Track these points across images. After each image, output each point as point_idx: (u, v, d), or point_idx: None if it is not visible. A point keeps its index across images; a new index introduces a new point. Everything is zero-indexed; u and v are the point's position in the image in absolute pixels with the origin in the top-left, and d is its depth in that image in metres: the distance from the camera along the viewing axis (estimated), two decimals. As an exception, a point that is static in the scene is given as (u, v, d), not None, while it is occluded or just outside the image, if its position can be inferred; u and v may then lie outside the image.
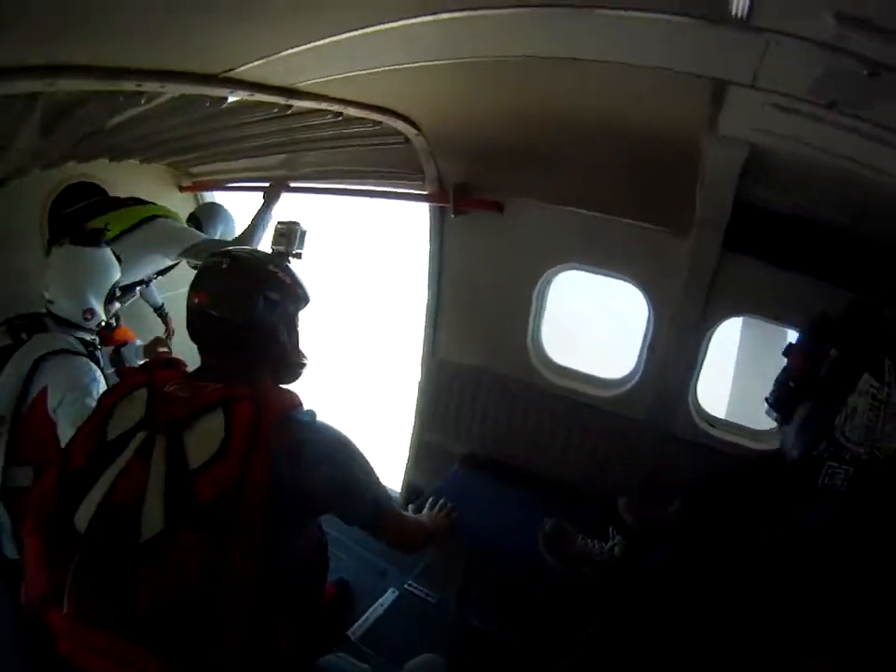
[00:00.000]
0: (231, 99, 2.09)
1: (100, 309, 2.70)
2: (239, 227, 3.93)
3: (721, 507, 2.43)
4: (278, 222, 2.54)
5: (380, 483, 1.73)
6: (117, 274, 2.83)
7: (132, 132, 2.94)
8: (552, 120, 2.24)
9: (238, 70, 1.85)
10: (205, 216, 4.14)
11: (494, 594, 2.85)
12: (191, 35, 1.53)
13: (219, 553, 1.33)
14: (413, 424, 3.90)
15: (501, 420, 3.32)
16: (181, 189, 5.38)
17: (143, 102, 1.95)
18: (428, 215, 3.37)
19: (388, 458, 4.41)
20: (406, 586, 3.16)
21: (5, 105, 1.73)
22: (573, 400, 2.98)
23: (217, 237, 3.89)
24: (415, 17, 1.32)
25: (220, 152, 4.10)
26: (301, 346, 1.85)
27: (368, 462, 1.68)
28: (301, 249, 2.53)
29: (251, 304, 1.67)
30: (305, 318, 1.86)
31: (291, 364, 1.83)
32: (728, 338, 5.40)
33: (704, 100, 1.78)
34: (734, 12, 1.16)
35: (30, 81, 1.55)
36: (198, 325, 1.69)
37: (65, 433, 2.40)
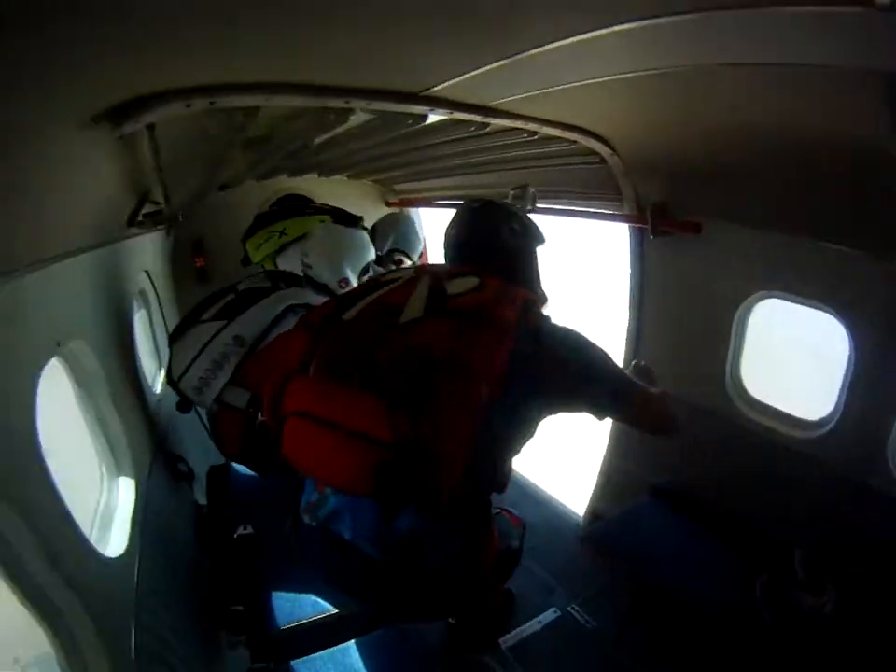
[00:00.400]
0: (431, 117, 2.16)
1: (354, 281, 3.02)
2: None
3: None
4: (512, 188, 2.68)
5: (619, 368, 1.85)
6: (370, 255, 3.17)
7: (338, 149, 3.13)
8: (748, 137, 2.11)
9: (436, 88, 1.90)
10: (382, 225, 4.37)
11: (657, 634, 2.71)
12: (391, 55, 1.60)
13: (463, 343, 1.56)
14: (605, 449, 3.81)
15: (692, 452, 3.14)
16: (387, 204, 5.71)
17: (350, 118, 2.08)
18: (628, 236, 3.30)
19: (575, 482, 4.36)
20: (569, 608, 3.07)
21: (227, 118, 1.90)
22: (768, 439, 2.75)
23: (387, 245, 4.11)
24: (609, 27, 1.29)
25: (422, 171, 4.28)
26: (543, 283, 2.10)
27: (604, 352, 1.80)
28: (534, 207, 2.68)
29: (499, 231, 2.00)
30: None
31: (534, 291, 2.01)
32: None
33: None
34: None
35: (250, 97, 1.69)
36: (454, 255, 2.02)
37: None
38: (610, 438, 3.75)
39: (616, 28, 1.26)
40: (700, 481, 3.15)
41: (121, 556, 2.09)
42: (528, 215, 2.19)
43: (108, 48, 1.09)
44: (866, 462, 2.44)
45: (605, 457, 3.80)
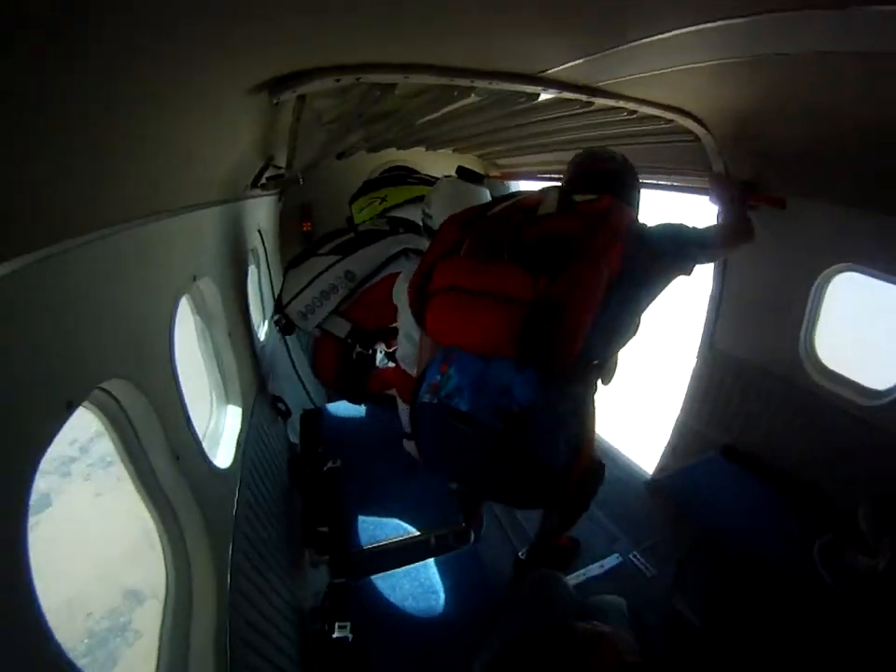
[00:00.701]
0: (542, 96, 2.35)
1: None
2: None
3: None
4: None
5: (697, 229, 2.27)
6: None
7: (449, 124, 3.34)
8: (834, 119, 2.21)
9: (551, 71, 2.11)
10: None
11: (712, 585, 2.84)
12: (514, 41, 1.79)
13: (589, 232, 1.93)
14: (680, 409, 3.97)
15: (762, 416, 3.28)
16: (488, 177, 5.89)
17: (471, 96, 2.28)
18: (716, 210, 3.40)
19: (648, 440, 4.56)
20: (631, 555, 3.26)
21: (364, 93, 2.13)
22: (835, 405, 2.85)
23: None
24: (709, 23, 1.44)
25: (524, 146, 4.48)
26: None
27: (685, 227, 2.21)
28: None
29: (624, 175, 2.42)
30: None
31: None
32: None
33: None
34: None
35: (391, 74, 1.91)
36: (582, 179, 2.39)
37: (402, 319, 2.95)
38: (685, 398, 3.91)
39: (715, 24, 1.45)
40: (768, 443, 3.27)
41: (228, 468, 2.40)
42: None
43: (279, 30, 1.32)
44: None
45: (678, 417, 3.97)
